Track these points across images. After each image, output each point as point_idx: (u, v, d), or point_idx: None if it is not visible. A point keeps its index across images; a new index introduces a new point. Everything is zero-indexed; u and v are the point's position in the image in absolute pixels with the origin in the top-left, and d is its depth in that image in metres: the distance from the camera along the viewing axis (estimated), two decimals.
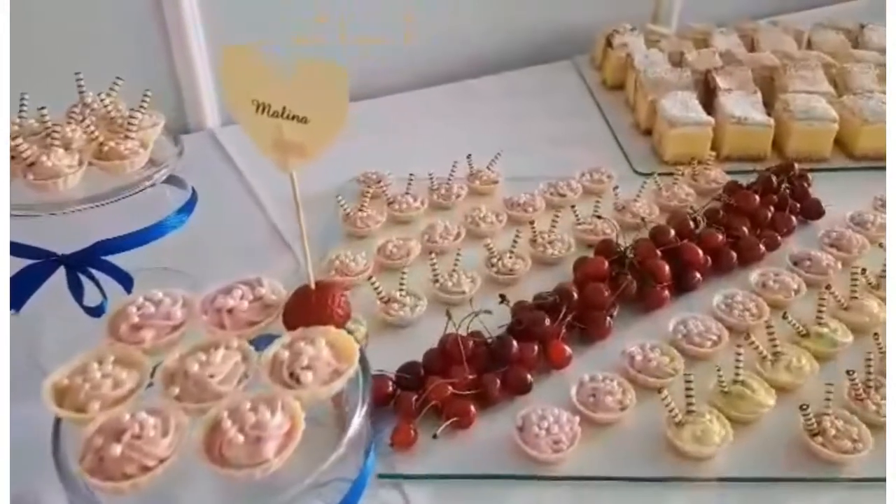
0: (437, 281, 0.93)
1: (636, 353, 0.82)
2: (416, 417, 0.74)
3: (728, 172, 1.16)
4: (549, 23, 1.67)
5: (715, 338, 0.84)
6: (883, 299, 0.89)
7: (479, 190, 1.15)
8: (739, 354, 0.77)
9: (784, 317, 0.83)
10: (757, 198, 1.03)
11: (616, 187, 1.10)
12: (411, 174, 1.12)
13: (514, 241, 0.98)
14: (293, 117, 0.53)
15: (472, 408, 0.76)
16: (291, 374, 0.50)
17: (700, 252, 0.94)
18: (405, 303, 0.90)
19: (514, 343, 0.81)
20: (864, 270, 0.90)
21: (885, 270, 0.91)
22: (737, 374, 0.77)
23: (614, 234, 1.01)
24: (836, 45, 1.49)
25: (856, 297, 0.88)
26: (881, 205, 1.08)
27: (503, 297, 0.86)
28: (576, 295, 0.87)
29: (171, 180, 0.80)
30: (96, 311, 0.76)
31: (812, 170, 1.17)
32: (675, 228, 0.98)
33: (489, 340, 0.82)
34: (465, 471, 0.71)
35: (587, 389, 0.78)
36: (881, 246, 0.94)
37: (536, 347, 0.82)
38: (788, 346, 0.82)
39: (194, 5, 1.26)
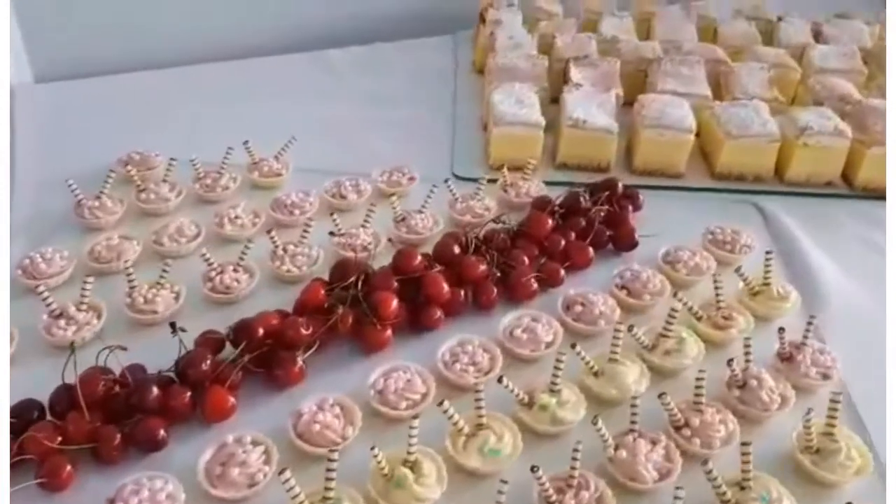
0: (130, 296, 0.78)
1: (306, 410, 0.66)
2: None
3: (560, 184, 0.98)
4: None
5: (417, 397, 0.68)
6: (651, 364, 0.72)
7: (258, 183, 0.99)
8: (413, 427, 0.61)
9: (500, 381, 0.66)
10: (550, 222, 0.85)
11: (392, 195, 0.92)
12: (172, 159, 0.96)
13: (243, 253, 0.82)
14: None
15: (69, 467, 0.61)
16: None
17: (444, 285, 0.77)
18: (77, 320, 0.75)
19: (155, 388, 0.65)
20: (631, 328, 0.72)
21: (667, 330, 0.73)
22: (409, 453, 0.61)
23: (368, 254, 0.83)
24: (741, 38, 1.27)
25: (615, 360, 0.71)
26: (710, 240, 0.89)
27: (173, 326, 0.70)
28: (261, 330, 0.71)
29: None
30: None
31: (660, 187, 0.99)
32: (437, 253, 0.81)
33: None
34: None
35: (221, 456, 0.62)
36: (678, 297, 0.76)
37: (189, 395, 0.66)
38: (495, 419, 0.65)
39: None
